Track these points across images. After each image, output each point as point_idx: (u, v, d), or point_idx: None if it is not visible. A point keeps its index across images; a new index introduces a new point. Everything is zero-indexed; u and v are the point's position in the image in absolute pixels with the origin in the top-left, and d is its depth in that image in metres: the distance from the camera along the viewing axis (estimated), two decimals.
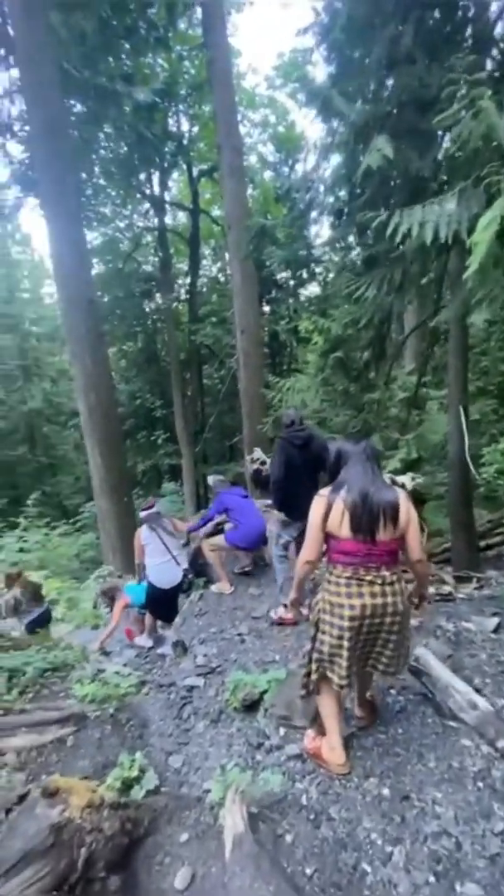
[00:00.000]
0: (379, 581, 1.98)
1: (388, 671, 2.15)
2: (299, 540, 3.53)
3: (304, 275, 10.70)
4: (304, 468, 3.65)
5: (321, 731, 2.29)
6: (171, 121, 14.42)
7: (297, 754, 2.33)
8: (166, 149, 14.01)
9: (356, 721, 2.42)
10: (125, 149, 12.64)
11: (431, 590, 3.82)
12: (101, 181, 13.70)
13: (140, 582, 4.55)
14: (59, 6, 8.01)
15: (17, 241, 19.19)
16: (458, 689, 2.38)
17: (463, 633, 3.09)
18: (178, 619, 4.40)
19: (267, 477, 4.80)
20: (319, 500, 2.06)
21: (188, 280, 17.11)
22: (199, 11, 10.87)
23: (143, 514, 4.36)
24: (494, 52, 4.22)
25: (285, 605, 3.70)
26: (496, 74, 3.79)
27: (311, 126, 25.10)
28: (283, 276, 14.18)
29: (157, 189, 15.68)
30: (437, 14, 4.09)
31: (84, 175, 12.28)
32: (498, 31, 4.16)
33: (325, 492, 2.08)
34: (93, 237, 15.16)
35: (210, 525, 5.08)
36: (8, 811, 1.92)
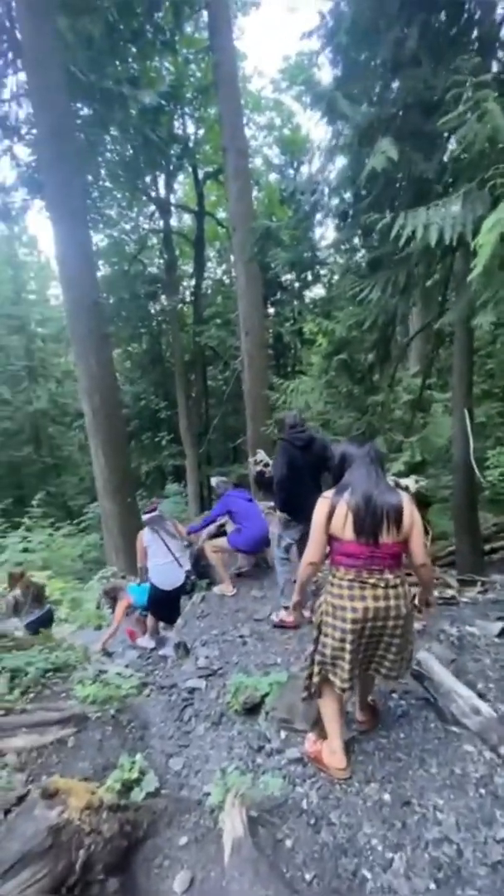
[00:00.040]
0: (382, 584, 1.97)
1: (390, 675, 2.13)
2: (301, 542, 3.52)
3: (309, 277, 10.71)
4: (307, 469, 3.65)
5: (322, 735, 2.28)
6: (176, 124, 14.51)
7: (298, 758, 2.32)
8: (172, 151, 14.09)
9: (357, 725, 2.40)
10: (131, 151, 12.72)
11: (435, 593, 3.80)
12: (107, 183, 13.78)
13: (142, 583, 4.56)
14: (66, 10, 8.08)
15: (24, 243, 19.34)
16: (460, 694, 2.36)
17: (466, 638, 3.07)
18: (179, 621, 4.39)
19: (270, 479, 4.79)
20: (323, 502, 2.06)
21: (193, 282, 17.18)
22: (205, 15, 10.95)
23: (145, 516, 4.38)
24: (500, 53, 4.21)
25: (286, 608, 3.70)
26: (502, 76, 3.77)
27: (316, 128, 25.26)
28: (287, 277, 14.19)
29: (162, 191, 15.78)
30: (442, 16, 4.08)
31: (90, 177, 12.37)
32: None
33: (328, 494, 2.07)
34: (98, 239, 15.26)
35: (213, 526, 5.08)
36: (7, 812, 1.92)
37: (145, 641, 4.45)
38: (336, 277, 9.10)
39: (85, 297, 7.67)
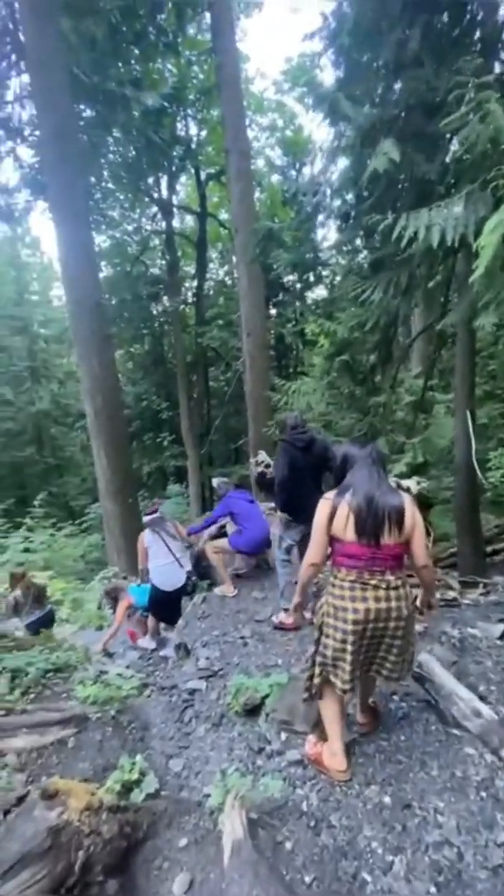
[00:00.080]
0: (383, 585, 1.97)
1: (391, 677, 2.13)
2: (303, 544, 3.52)
3: (311, 278, 10.67)
4: (308, 470, 3.65)
5: (323, 737, 2.27)
6: (179, 125, 14.55)
7: (298, 760, 2.31)
8: (174, 153, 14.13)
9: (358, 727, 2.39)
10: (134, 153, 12.76)
11: (436, 595, 3.79)
12: (110, 185, 13.83)
13: (143, 584, 4.56)
14: (69, 12, 8.11)
15: (27, 244, 19.40)
16: (461, 697, 2.35)
17: (468, 640, 3.06)
18: (180, 622, 4.39)
19: (271, 480, 4.79)
20: (324, 503, 2.06)
21: (195, 283, 17.21)
22: (207, 17, 10.96)
23: (146, 518, 4.38)
24: (503, 55, 4.21)
25: (286, 610, 3.69)
26: None
27: (318, 130, 25.28)
28: (289, 279, 14.20)
29: (164, 193, 15.80)
30: (444, 17, 4.08)
31: (93, 179, 12.41)
32: None
33: (330, 495, 2.07)
34: (101, 240, 15.31)
35: (214, 527, 5.08)
36: (7, 813, 1.92)
37: (146, 642, 4.44)
38: (338, 279, 9.11)
39: (87, 298, 7.69)
